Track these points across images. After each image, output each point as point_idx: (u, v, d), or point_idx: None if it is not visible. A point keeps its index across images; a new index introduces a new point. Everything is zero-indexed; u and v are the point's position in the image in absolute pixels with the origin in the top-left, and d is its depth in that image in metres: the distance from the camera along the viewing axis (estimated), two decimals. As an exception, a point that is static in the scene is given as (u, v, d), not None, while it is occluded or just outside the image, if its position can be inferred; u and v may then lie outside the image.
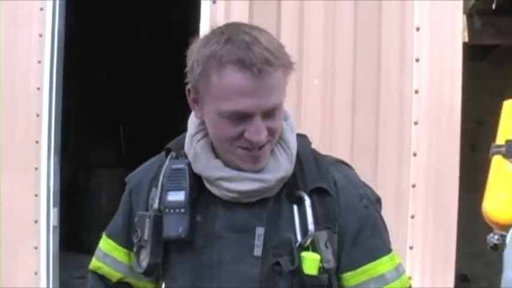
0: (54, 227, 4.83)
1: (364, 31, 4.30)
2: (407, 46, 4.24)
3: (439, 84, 4.20)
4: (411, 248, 4.17)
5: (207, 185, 1.72)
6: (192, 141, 1.73)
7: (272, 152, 1.71)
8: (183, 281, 1.74)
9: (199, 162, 1.71)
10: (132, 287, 1.94)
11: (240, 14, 4.37)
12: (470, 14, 4.39)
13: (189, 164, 1.73)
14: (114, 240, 1.91)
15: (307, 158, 1.76)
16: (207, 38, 1.64)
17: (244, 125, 1.61)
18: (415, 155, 4.19)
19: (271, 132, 1.64)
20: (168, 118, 10.60)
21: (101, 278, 1.94)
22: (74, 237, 7.91)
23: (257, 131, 1.61)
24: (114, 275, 1.91)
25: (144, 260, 1.74)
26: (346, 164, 1.85)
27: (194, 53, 1.65)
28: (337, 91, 4.32)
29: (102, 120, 9.32)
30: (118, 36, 9.36)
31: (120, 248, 1.90)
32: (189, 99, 1.71)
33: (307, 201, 1.69)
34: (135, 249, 1.78)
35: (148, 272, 1.77)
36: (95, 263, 1.95)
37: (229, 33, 1.61)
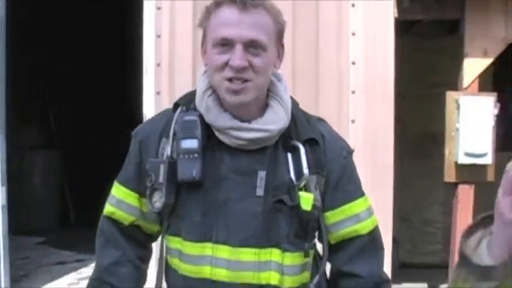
0: (2, 206, 4.91)
1: (303, 7, 4.58)
2: (343, 21, 4.57)
3: (373, 56, 4.54)
4: (351, 208, 4.49)
5: (217, 134, 1.94)
6: (204, 96, 1.96)
7: (270, 106, 1.97)
8: (192, 218, 1.94)
9: (211, 113, 1.94)
10: (141, 230, 2.13)
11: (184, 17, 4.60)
12: (399, -9, 4.73)
13: (200, 116, 1.95)
14: (126, 187, 2.09)
15: (298, 114, 2.02)
16: None
17: (229, 54, 1.84)
18: (353, 121, 4.53)
19: (254, 68, 1.85)
20: (95, 100, 10.74)
21: (114, 222, 2.11)
22: (11, 220, 7.96)
23: (238, 57, 1.82)
24: (127, 218, 2.09)
25: (158, 201, 1.95)
26: (326, 122, 2.13)
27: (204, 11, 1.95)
28: (277, 65, 4.58)
29: (32, 103, 9.36)
30: (47, 18, 9.38)
31: (132, 193, 2.08)
32: (202, 52, 1.97)
33: (302, 150, 1.95)
34: (148, 192, 1.97)
35: (161, 212, 1.99)
36: (109, 209, 2.12)
37: None
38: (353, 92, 4.54)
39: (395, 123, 4.73)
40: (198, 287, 1.96)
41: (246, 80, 1.86)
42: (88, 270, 6.76)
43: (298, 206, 1.91)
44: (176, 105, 2.03)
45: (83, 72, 10.42)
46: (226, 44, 1.85)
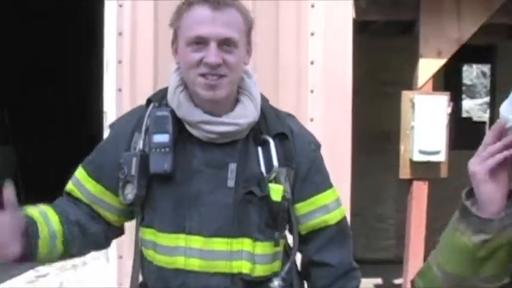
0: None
1: (263, 7, 4.66)
2: (302, 21, 4.66)
3: (332, 56, 4.65)
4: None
5: (189, 128, 2.03)
6: (175, 92, 2.05)
7: (240, 101, 2.06)
8: (165, 210, 2.03)
9: (182, 109, 2.02)
10: (96, 212, 2.18)
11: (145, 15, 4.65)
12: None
13: (171, 112, 2.04)
14: (87, 172, 2.16)
15: (268, 109, 2.12)
16: None
17: (204, 52, 1.93)
18: (312, 120, 4.63)
19: (227, 65, 1.94)
20: (49, 99, 10.71)
21: (74, 198, 2.19)
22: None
23: (213, 54, 1.92)
24: (83, 199, 2.17)
25: (130, 193, 2.03)
26: (295, 117, 2.23)
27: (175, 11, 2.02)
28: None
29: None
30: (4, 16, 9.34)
31: (90, 179, 2.15)
32: (173, 51, 2.05)
33: (272, 143, 2.04)
34: (120, 184, 2.05)
35: (133, 204, 2.06)
36: (69, 186, 2.20)
37: None
38: (312, 91, 4.64)
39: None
40: (172, 278, 2.04)
41: (220, 76, 1.95)
42: (45, 268, 6.74)
43: (268, 197, 2.00)
44: (149, 101, 2.12)
45: (40, 69, 10.40)
46: (200, 42, 1.93)
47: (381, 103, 7.28)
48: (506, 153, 1.44)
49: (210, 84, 1.95)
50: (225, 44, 1.94)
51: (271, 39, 4.66)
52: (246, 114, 2.03)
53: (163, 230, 2.04)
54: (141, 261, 2.15)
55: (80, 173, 2.19)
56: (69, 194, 2.20)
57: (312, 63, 4.65)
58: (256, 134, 2.06)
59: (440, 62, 5.06)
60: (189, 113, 2.01)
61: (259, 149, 2.05)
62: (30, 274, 6.57)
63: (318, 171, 2.13)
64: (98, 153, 2.18)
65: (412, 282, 1.69)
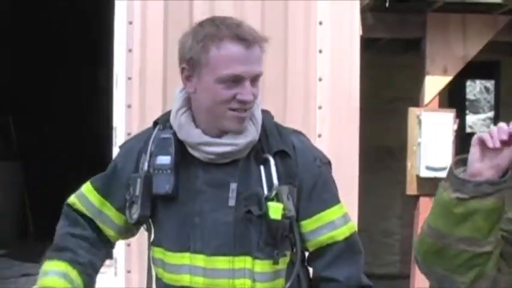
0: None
1: (272, 26, 4.71)
2: (311, 39, 4.72)
3: (339, 73, 4.70)
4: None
5: (190, 150, 2.07)
6: (177, 114, 2.09)
7: None
8: (170, 229, 2.08)
9: (183, 130, 2.07)
10: (97, 227, 2.22)
11: (156, 13, 4.71)
12: (363, 10, 4.90)
13: (174, 134, 2.08)
14: (93, 185, 2.22)
15: (271, 127, 2.14)
16: (200, 25, 2.05)
17: (236, 88, 1.97)
18: (319, 136, 4.68)
19: (254, 97, 2.01)
20: (54, 108, 10.69)
21: (75, 211, 2.23)
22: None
23: (248, 92, 1.98)
24: (85, 213, 2.22)
25: (135, 213, 2.09)
26: (303, 134, 2.26)
27: (189, 38, 2.03)
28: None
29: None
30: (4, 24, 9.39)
31: (95, 192, 2.20)
32: (183, 77, 2.08)
33: (272, 161, 2.07)
34: (127, 205, 2.11)
35: (138, 223, 2.13)
36: (72, 199, 2.24)
37: (219, 19, 2.04)
38: (320, 108, 4.69)
39: (354, 137, 4.89)
40: None
41: (247, 109, 2.02)
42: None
43: (266, 215, 2.03)
44: (155, 123, 2.17)
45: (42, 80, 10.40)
46: (235, 80, 1.98)
47: (385, 120, 7.33)
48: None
49: (241, 117, 2.02)
50: (256, 79, 2.01)
51: (280, 57, 4.72)
52: (245, 134, 2.07)
53: (170, 249, 2.10)
54: (155, 280, 2.20)
55: (86, 186, 2.25)
56: (70, 207, 2.25)
57: (320, 79, 4.70)
58: (257, 152, 2.09)
59: (447, 79, 5.13)
60: (190, 134, 2.06)
61: (261, 168, 2.08)
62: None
63: (323, 187, 2.13)
64: (108, 171, 2.24)
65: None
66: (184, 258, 2.06)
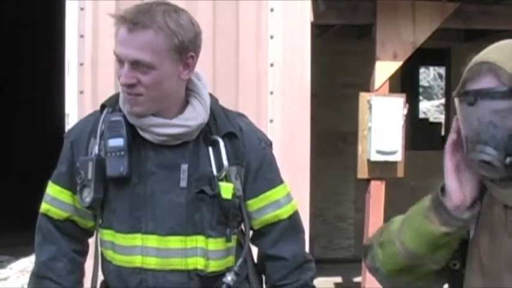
0: None
1: (224, 13, 4.76)
2: (262, 25, 4.76)
3: (291, 58, 4.76)
4: (269, 204, 4.69)
5: (141, 132, 2.09)
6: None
7: (190, 104, 2.12)
8: (122, 211, 2.11)
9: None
10: (76, 225, 2.25)
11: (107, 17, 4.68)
12: (315, -3, 4.97)
13: (124, 116, 2.10)
14: (60, 185, 2.21)
15: (218, 110, 2.18)
16: None
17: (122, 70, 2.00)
18: (271, 121, 4.73)
19: (142, 84, 1.99)
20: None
21: (50, 219, 2.23)
22: None
23: (124, 75, 1.98)
24: (62, 214, 2.21)
25: (88, 196, 2.09)
26: (246, 117, 2.30)
27: None
28: (198, 66, 4.74)
29: None
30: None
31: (65, 191, 2.20)
32: None
33: (221, 143, 2.11)
34: (78, 189, 2.11)
35: (91, 207, 2.12)
36: (44, 206, 2.24)
37: (149, 3, 2.06)
38: (271, 93, 4.74)
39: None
40: (130, 276, 2.11)
41: (136, 94, 2.01)
42: (6, 272, 6.73)
43: (218, 195, 2.08)
44: (103, 106, 2.17)
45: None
46: (119, 60, 2.01)
47: (339, 105, 7.41)
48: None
49: (128, 99, 2.03)
50: (138, 65, 1.99)
51: (231, 42, 4.75)
52: (195, 116, 2.09)
53: (120, 230, 2.11)
54: (102, 262, 2.22)
55: (51, 188, 2.24)
56: (45, 215, 2.24)
57: (271, 65, 4.75)
58: (206, 134, 2.13)
59: (397, 64, 5.20)
60: (139, 118, 2.07)
61: (210, 149, 2.12)
62: (-10, 277, 6.55)
63: (268, 167, 2.20)
64: (62, 164, 2.23)
65: (366, 247, 1.89)
66: (136, 240, 2.09)
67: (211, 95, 2.19)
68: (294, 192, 4.78)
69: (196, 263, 2.09)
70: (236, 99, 4.69)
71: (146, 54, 1.97)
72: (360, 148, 5.17)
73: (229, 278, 2.10)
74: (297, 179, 4.74)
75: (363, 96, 5.15)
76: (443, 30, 5.83)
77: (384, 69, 5.17)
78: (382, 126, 5.03)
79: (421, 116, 15.40)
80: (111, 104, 2.16)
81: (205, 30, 4.81)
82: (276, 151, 4.75)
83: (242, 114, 2.28)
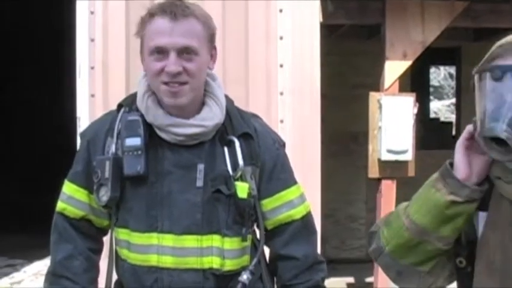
0: None
1: (233, 14, 4.78)
2: (271, 25, 4.78)
3: (300, 59, 4.77)
4: (280, 204, 4.71)
5: (158, 132, 2.12)
6: (144, 98, 2.13)
7: (206, 104, 2.15)
8: (138, 210, 2.13)
9: (151, 113, 2.11)
10: (91, 224, 2.28)
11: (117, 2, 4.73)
12: (323, -3, 4.98)
13: (141, 116, 2.12)
14: (76, 184, 2.24)
15: (233, 111, 2.21)
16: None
17: (164, 61, 2.02)
18: (281, 122, 4.75)
19: (188, 72, 2.03)
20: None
21: (66, 217, 2.25)
22: None
23: (172, 63, 2.01)
24: (77, 213, 2.24)
25: (105, 195, 2.11)
26: (260, 118, 2.33)
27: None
28: (209, 67, 4.77)
29: None
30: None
31: (81, 190, 2.23)
32: (141, 59, 2.13)
33: (237, 143, 2.14)
34: (95, 187, 2.14)
35: (107, 206, 2.15)
36: (60, 205, 2.27)
37: (166, 2, 2.10)
38: (281, 94, 4.76)
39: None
40: (146, 275, 2.13)
41: (182, 83, 2.04)
42: (20, 275, 6.76)
43: (234, 194, 2.11)
44: (120, 106, 2.20)
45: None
46: (161, 51, 2.03)
47: (349, 105, 7.41)
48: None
49: (172, 91, 2.05)
50: (185, 52, 2.03)
51: (241, 43, 4.77)
52: (212, 116, 2.12)
53: (136, 229, 2.14)
54: (116, 261, 2.24)
55: (67, 186, 2.26)
56: (61, 214, 2.26)
57: (281, 66, 4.76)
58: (222, 134, 2.16)
59: (406, 64, 5.20)
60: (158, 117, 2.11)
61: (226, 149, 2.15)
62: (5, 281, 6.59)
63: (282, 168, 2.23)
64: (78, 163, 2.25)
65: (371, 233, 1.92)
66: (152, 239, 2.11)
67: (226, 96, 2.22)
68: (305, 190, 4.82)
69: (212, 262, 2.12)
70: (246, 100, 4.70)
71: (193, 40, 2.03)
72: (370, 148, 5.17)
73: (244, 276, 2.12)
74: (308, 179, 4.74)
75: (373, 96, 5.16)
76: (453, 29, 5.83)
77: (394, 68, 5.18)
78: (392, 125, 5.04)
79: (432, 115, 15.37)
80: (128, 103, 2.19)
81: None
82: (287, 151, 4.80)
83: (256, 115, 2.31)
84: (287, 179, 2.24)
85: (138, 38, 2.12)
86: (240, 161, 2.12)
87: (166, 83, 2.04)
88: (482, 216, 1.83)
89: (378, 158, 5.12)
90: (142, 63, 2.14)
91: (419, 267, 1.84)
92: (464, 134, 1.75)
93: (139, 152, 2.09)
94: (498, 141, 1.64)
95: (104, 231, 2.31)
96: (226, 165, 2.13)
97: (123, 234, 2.18)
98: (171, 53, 2.02)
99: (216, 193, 2.11)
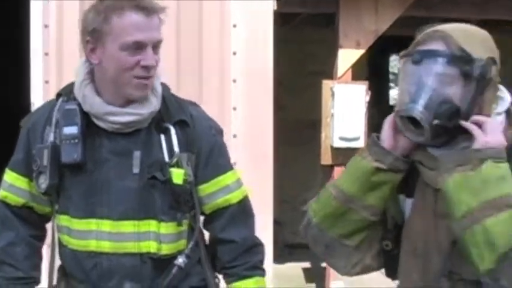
0: None
1: (187, 2, 4.80)
2: (225, 13, 4.82)
3: (253, 47, 4.82)
4: (233, 191, 4.76)
5: (95, 120, 2.16)
6: (81, 86, 2.17)
7: None
8: (77, 197, 2.19)
9: (87, 102, 2.16)
10: (33, 211, 2.32)
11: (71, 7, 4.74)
12: (278, -15, 5.02)
13: (79, 105, 2.17)
14: (16, 172, 2.28)
15: (169, 99, 2.26)
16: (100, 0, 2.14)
17: (139, 55, 2.07)
18: (235, 109, 4.80)
19: (156, 63, 2.11)
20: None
21: (8, 205, 2.30)
22: None
23: (151, 57, 2.08)
24: (19, 201, 2.28)
25: (44, 183, 2.16)
26: (198, 105, 2.37)
27: (91, 12, 2.12)
28: (162, 54, 4.79)
29: None
30: None
31: (22, 178, 2.27)
32: (87, 50, 2.15)
33: (173, 130, 2.20)
34: (34, 175, 2.18)
35: (47, 193, 2.20)
36: (2, 193, 2.31)
37: None
38: (234, 81, 4.80)
39: (276, 110, 5.02)
40: (86, 260, 2.19)
41: (152, 76, 2.12)
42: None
43: (169, 180, 2.15)
44: (58, 95, 2.24)
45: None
46: (139, 47, 2.07)
47: (308, 93, 7.48)
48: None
49: (144, 83, 2.11)
50: (157, 46, 2.11)
51: (194, 31, 4.81)
52: (147, 105, 2.17)
53: (76, 215, 2.19)
54: (59, 247, 2.29)
55: (8, 175, 2.31)
56: (3, 202, 2.31)
57: (234, 53, 4.81)
58: (158, 122, 2.20)
59: (359, 52, 5.29)
60: (94, 105, 2.15)
61: (162, 137, 2.20)
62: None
63: (219, 154, 2.28)
64: (18, 151, 2.29)
65: (303, 213, 1.99)
66: (91, 224, 2.17)
67: (163, 84, 2.26)
68: (257, 179, 4.88)
69: (149, 246, 2.17)
70: (200, 88, 4.74)
71: (160, 34, 2.11)
72: (323, 135, 5.26)
73: (180, 260, 2.18)
74: (261, 166, 4.82)
75: (326, 84, 5.24)
76: (410, 18, 5.92)
77: (347, 57, 5.27)
78: (344, 113, 5.12)
79: (392, 102, 15.50)
80: (67, 93, 2.22)
81: (169, 20, 4.84)
82: (240, 138, 4.86)
83: (194, 102, 2.36)
84: (224, 165, 2.30)
85: (97, 28, 2.10)
86: (176, 148, 2.18)
87: (138, 77, 2.09)
88: (409, 202, 1.91)
89: (330, 145, 5.21)
90: (89, 54, 2.14)
91: (346, 240, 1.90)
92: (393, 114, 1.83)
93: (76, 140, 2.14)
94: (414, 122, 1.73)
95: (46, 218, 2.35)
96: (162, 152, 2.18)
97: (63, 220, 2.23)
98: (148, 47, 2.07)
99: (151, 179, 2.16)
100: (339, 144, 5.15)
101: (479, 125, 1.73)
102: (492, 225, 1.65)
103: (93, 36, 2.11)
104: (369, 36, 5.29)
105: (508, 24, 6.39)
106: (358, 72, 5.46)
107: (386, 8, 5.29)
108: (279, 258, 6.09)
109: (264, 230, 4.70)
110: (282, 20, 6.31)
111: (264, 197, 4.77)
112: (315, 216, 1.92)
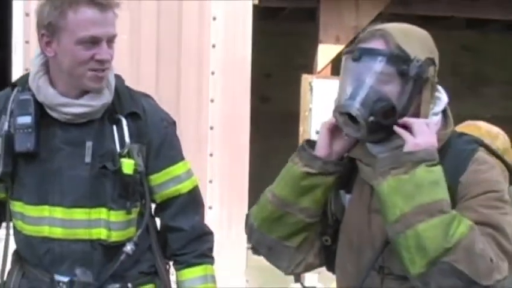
0: None
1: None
2: (204, 6, 4.87)
3: (232, 40, 4.87)
4: (210, 181, 4.84)
5: (48, 111, 2.22)
6: (35, 77, 2.22)
7: None
8: (31, 185, 2.24)
9: (41, 92, 2.21)
10: None
11: None
12: (259, -21, 5.05)
13: (33, 95, 2.21)
14: None
15: (123, 91, 2.32)
16: None
17: (94, 49, 2.12)
18: (212, 101, 4.85)
19: (111, 57, 2.16)
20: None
21: None
22: None
23: (105, 52, 2.13)
24: None
25: None
26: (151, 97, 2.44)
27: (47, 6, 2.15)
28: (142, 46, 4.86)
29: None
30: None
31: None
32: (42, 43, 2.19)
33: (124, 122, 2.25)
34: None
35: (1, 180, 2.25)
36: None
37: None
38: (212, 73, 4.86)
39: (260, 102, 5.08)
40: (39, 245, 2.25)
41: (108, 69, 2.17)
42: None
43: (120, 170, 2.21)
44: (14, 85, 2.29)
45: None
46: (94, 41, 2.12)
47: (292, 86, 7.52)
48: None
49: (99, 76, 2.16)
50: (111, 41, 2.16)
51: (174, 24, 4.85)
52: (99, 96, 2.22)
53: (29, 202, 2.25)
54: (14, 232, 2.34)
55: None
56: None
57: (213, 46, 4.86)
58: (111, 113, 2.26)
59: (339, 47, 5.32)
60: (48, 96, 2.19)
61: (114, 127, 2.25)
62: None
63: (170, 145, 2.34)
64: None
65: (247, 216, 2.03)
66: (44, 211, 2.22)
67: (118, 76, 2.32)
68: (234, 171, 4.92)
69: (100, 233, 2.23)
70: (178, 80, 4.79)
71: (114, 28, 2.16)
72: (301, 129, 5.31)
73: (128, 247, 2.23)
74: (237, 156, 4.88)
75: (305, 79, 5.29)
76: (390, 14, 5.95)
77: (326, 52, 5.31)
78: (322, 107, 5.16)
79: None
80: (22, 83, 2.27)
81: (149, 12, 4.91)
82: (217, 130, 4.90)
83: (147, 94, 2.41)
84: (174, 156, 2.35)
85: (52, 22, 2.13)
86: (127, 139, 2.23)
87: (93, 70, 2.14)
88: (349, 198, 1.96)
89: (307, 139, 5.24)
90: (44, 48, 2.18)
91: (287, 242, 1.95)
92: (331, 118, 1.89)
93: (30, 130, 2.19)
94: (352, 118, 1.78)
95: (1, 204, 2.39)
96: (114, 143, 2.23)
97: (17, 206, 2.28)
98: (103, 42, 2.12)
99: (103, 169, 2.22)
100: (316, 138, 5.17)
101: (407, 126, 1.77)
102: (424, 230, 1.69)
103: (48, 30, 2.15)
104: (349, 31, 5.33)
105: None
106: (338, 67, 5.47)
107: (367, 4, 5.33)
108: (253, 251, 6.10)
109: (239, 221, 4.78)
110: (270, 13, 6.35)
111: (241, 190, 4.85)
112: (255, 220, 1.97)
